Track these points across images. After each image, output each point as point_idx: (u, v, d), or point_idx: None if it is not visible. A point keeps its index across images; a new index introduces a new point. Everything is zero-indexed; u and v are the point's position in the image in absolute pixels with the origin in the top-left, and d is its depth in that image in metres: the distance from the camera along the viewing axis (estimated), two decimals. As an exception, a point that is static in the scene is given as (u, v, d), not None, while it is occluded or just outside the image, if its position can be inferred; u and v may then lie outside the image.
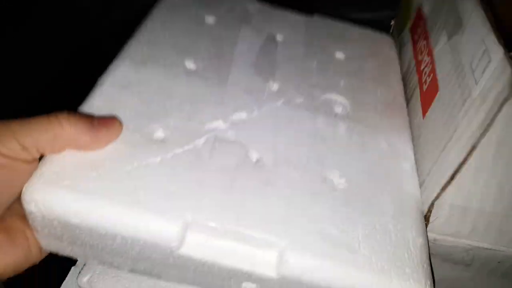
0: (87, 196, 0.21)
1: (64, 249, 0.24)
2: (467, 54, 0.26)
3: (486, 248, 0.26)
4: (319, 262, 0.22)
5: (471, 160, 0.23)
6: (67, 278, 0.29)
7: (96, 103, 0.26)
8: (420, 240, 0.24)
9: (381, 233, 0.24)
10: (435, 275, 0.23)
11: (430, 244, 0.25)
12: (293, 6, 0.41)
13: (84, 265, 0.28)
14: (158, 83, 0.29)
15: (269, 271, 0.22)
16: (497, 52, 0.23)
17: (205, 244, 0.22)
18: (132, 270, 0.24)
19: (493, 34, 0.24)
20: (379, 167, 0.28)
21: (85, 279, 0.28)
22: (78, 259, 0.24)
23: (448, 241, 0.26)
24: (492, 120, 0.22)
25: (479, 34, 0.25)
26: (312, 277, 0.22)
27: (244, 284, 0.23)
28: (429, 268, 0.23)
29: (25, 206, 0.21)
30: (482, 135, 0.22)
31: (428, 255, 0.24)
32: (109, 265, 0.24)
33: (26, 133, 0.21)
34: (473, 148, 0.23)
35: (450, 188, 0.24)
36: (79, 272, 0.28)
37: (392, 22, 0.48)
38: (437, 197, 0.25)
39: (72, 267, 0.29)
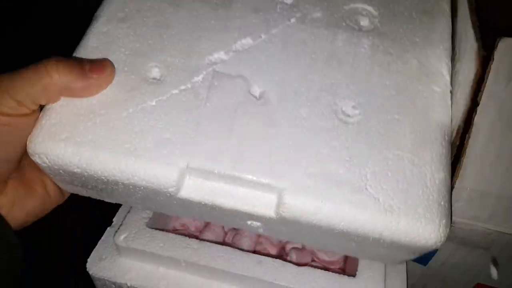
0: (85, 148, 0.22)
1: (80, 191, 0.25)
2: (457, 39, 0.27)
3: (506, 233, 0.24)
4: (318, 204, 0.21)
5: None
6: (103, 237, 0.31)
7: (91, 43, 0.25)
8: (440, 176, 0.21)
9: (394, 170, 0.22)
10: (453, 259, 0.22)
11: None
12: None
13: (121, 225, 0.30)
14: (156, 10, 0.27)
15: (268, 212, 0.22)
16: (470, 36, 0.24)
17: (203, 188, 0.22)
18: (144, 208, 0.25)
19: (469, 18, 0.25)
20: (403, 92, 0.24)
21: (121, 237, 0.29)
22: (96, 198, 0.26)
23: (467, 225, 0.25)
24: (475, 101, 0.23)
25: (463, 21, 0.27)
26: (311, 219, 0.21)
27: (249, 222, 0.23)
28: (447, 206, 0.21)
29: (31, 158, 0.22)
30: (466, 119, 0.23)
31: (449, 191, 0.21)
32: (123, 203, 0.26)
33: (17, 88, 0.21)
34: (459, 128, 0.24)
35: (467, 172, 0.23)
36: (116, 231, 0.30)
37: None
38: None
39: (108, 228, 0.32)
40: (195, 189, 0.22)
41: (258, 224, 0.23)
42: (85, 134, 0.22)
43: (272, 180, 0.21)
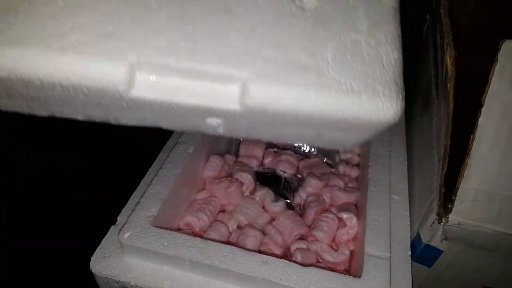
0: (9, 46, 0.18)
1: (6, 105, 0.22)
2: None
3: (511, 235, 0.25)
4: (283, 89, 0.20)
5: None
6: (107, 236, 0.30)
7: None
8: (395, 56, 0.22)
9: (353, 52, 0.22)
10: (458, 261, 0.23)
11: (454, 227, 0.24)
12: None
13: (125, 223, 0.29)
14: None
15: (232, 105, 0.21)
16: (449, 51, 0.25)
17: (157, 85, 0.20)
18: (87, 119, 0.23)
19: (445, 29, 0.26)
20: None
21: (126, 235, 0.28)
22: (26, 112, 0.22)
23: (472, 226, 0.25)
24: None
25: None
26: (278, 105, 0.20)
27: (209, 120, 0.22)
28: (402, 83, 0.22)
29: None
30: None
31: (402, 70, 0.22)
32: (60, 115, 0.23)
33: None
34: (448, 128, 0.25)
35: (471, 173, 0.23)
36: (120, 229, 0.29)
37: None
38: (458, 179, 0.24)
39: (112, 226, 0.31)
40: (149, 86, 0.20)
41: (218, 121, 0.22)
42: (6, 32, 0.19)
43: (234, 70, 0.20)
